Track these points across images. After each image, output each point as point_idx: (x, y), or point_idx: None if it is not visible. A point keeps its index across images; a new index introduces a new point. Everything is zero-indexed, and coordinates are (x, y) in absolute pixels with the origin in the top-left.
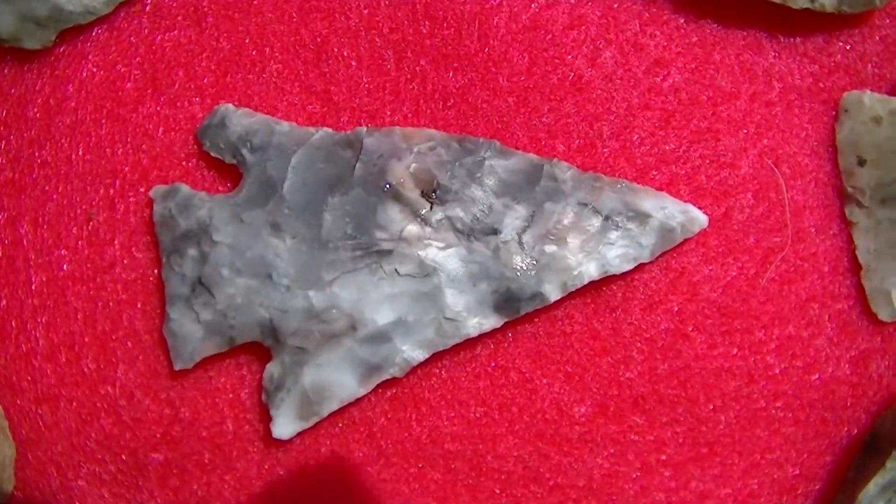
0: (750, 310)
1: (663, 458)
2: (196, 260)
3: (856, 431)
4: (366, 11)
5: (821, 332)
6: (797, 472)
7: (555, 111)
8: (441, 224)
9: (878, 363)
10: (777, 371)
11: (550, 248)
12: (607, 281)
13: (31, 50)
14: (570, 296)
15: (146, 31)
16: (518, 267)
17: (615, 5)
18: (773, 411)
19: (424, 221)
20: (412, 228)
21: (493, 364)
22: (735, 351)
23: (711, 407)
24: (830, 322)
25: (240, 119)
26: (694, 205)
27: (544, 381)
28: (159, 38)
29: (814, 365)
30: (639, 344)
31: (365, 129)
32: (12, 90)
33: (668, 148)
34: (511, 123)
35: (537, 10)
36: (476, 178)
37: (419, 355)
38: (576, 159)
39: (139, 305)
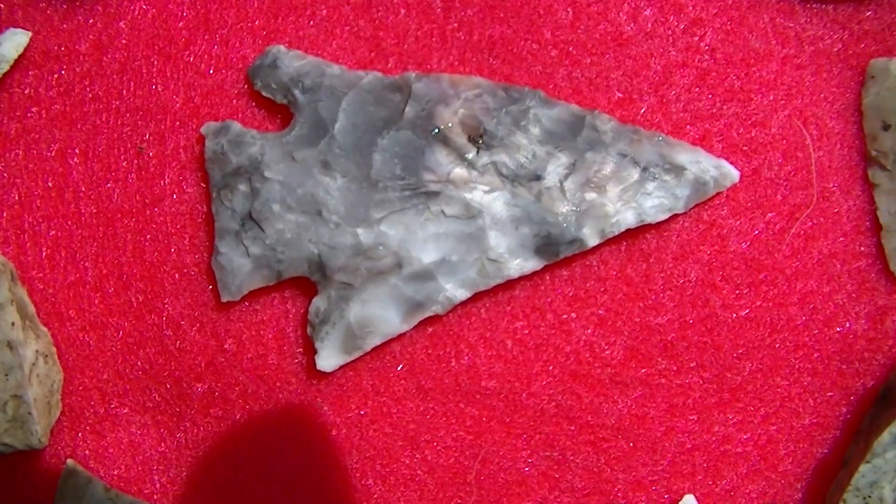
0: (774, 263)
1: (689, 401)
2: (247, 195)
3: (871, 384)
4: None
5: (841, 287)
6: (814, 420)
7: (596, 65)
8: (487, 168)
9: (894, 319)
10: (798, 323)
11: (590, 196)
12: (642, 230)
13: None
14: (606, 243)
15: None
16: (559, 212)
17: None
18: (793, 362)
19: (471, 165)
20: (459, 171)
21: (530, 305)
22: (759, 302)
23: (736, 355)
24: (850, 278)
25: (291, 60)
26: (725, 160)
27: (579, 323)
28: None
29: (833, 319)
30: (669, 291)
31: (413, 74)
32: (64, 24)
33: (702, 105)
34: (554, 75)
35: None
36: (521, 125)
37: (461, 294)
38: (615, 112)
39: (187, 239)
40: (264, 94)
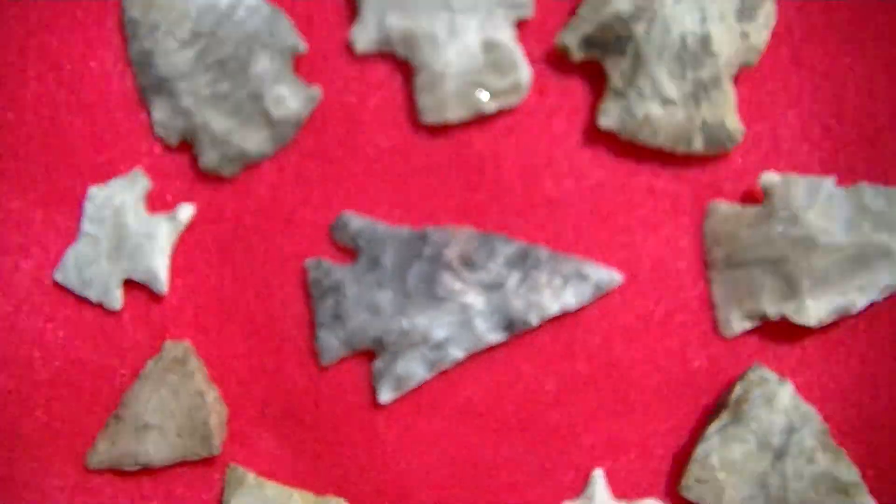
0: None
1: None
2: (335, 303)
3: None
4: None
5: (685, 344)
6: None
7: (534, 224)
8: (473, 283)
9: (722, 365)
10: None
11: (534, 297)
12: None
13: (225, 177)
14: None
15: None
16: (516, 307)
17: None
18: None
19: (464, 282)
20: (457, 285)
21: (497, 365)
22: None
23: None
24: (692, 338)
25: (355, 222)
26: (615, 269)
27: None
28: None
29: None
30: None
31: (430, 227)
32: (210, 204)
33: (596, 240)
34: (511, 227)
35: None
36: (492, 256)
37: (461, 355)
38: (549, 243)
39: (301, 328)
40: (339, 242)
